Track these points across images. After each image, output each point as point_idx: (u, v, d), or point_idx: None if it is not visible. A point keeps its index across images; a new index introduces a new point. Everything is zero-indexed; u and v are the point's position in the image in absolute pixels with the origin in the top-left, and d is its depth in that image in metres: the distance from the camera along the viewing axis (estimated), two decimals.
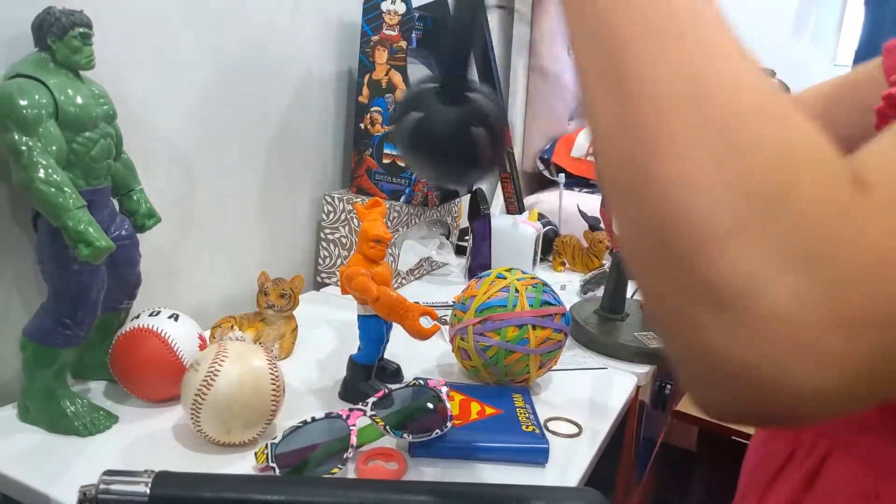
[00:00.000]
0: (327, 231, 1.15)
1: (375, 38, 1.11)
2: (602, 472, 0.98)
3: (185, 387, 0.66)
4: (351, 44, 1.17)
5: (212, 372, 0.64)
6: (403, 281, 1.21)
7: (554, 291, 0.87)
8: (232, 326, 0.87)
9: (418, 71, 1.19)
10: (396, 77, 1.11)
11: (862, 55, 2.48)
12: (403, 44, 1.10)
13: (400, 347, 0.87)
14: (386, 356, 0.86)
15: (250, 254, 1.06)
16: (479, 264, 1.26)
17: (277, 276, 0.91)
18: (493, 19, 1.69)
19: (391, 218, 1.13)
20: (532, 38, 1.78)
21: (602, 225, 1.38)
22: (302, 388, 0.83)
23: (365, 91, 1.14)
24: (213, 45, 0.92)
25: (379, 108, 1.13)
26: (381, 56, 1.12)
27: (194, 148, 0.93)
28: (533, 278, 0.87)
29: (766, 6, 2.71)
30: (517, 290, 0.84)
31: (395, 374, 0.85)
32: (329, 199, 1.14)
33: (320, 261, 1.17)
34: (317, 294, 1.14)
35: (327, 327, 1.00)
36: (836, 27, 2.70)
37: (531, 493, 0.60)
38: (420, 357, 0.93)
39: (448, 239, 1.33)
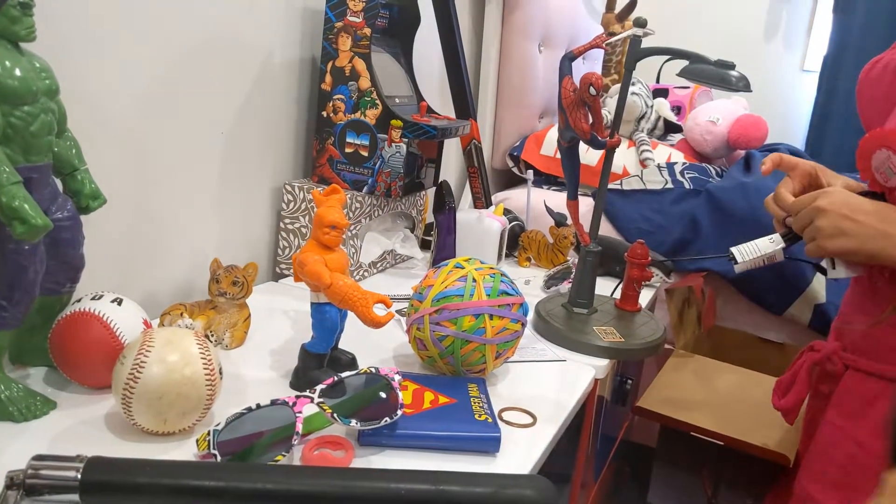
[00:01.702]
0: (287, 221, 1.13)
1: (339, 24, 1.09)
2: (558, 465, 0.97)
3: (114, 380, 0.64)
4: (314, 30, 1.15)
5: (138, 363, 0.62)
6: (366, 273, 1.19)
7: (512, 282, 0.86)
8: (181, 314, 0.85)
9: (383, 59, 1.17)
10: (360, 64, 1.10)
11: (830, 61, 2.52)
12: (367, 31, 1.08)
13: (356, 337, 0.85)
14: (341, 346, 0.85)
15: (207, 242, 1.04)
16: (443, 258, 1.25)
17: (231, 264, 0.89)
18: (464, 10, 1.68)
19: (353, 209, 1.11)
20: (503, 32, 1.77)
21: (569, 221, 1.37)
22: (253, 377, 0.81)
23: (328, 78, 1.12)
24: (170, 26, 0.90)
25: (342, 96, 1.11)
26: (345, 43, 1.10)
27: (147, 130, 0.91)
28: (491, 268, 0.86)
29: (737, 13, 2.74)
30: (475, 280, 0.82)
31: (349, 363, 0.83)
32: (289, 188, 1.12)
33: (279, 251, 1.15)
34: (275, 285, 1.12)
35: (283, 317, 0.98)
36: (806, 33, 2.73)
37: (478, 479, 0.59)
38: (377, 347, 0.92)
39: (413, 232, 1.31)
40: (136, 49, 0.87)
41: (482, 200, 1.52)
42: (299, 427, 0.64)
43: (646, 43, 0.95)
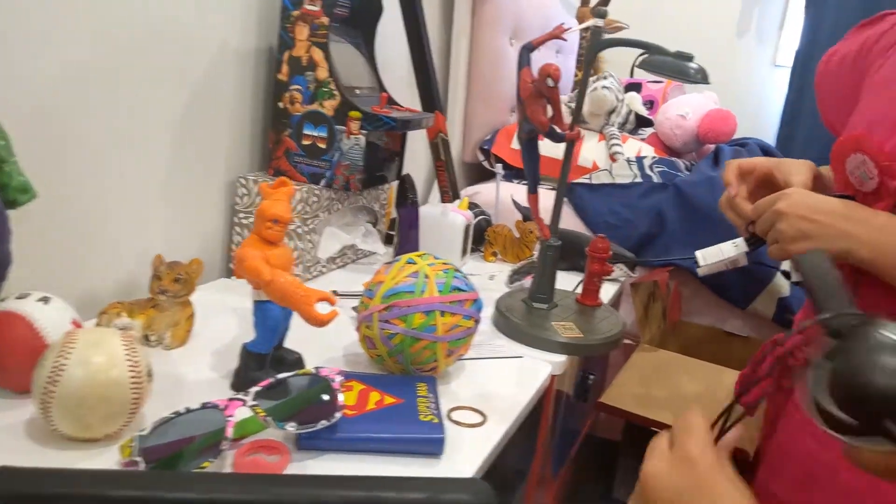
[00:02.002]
0: (242, 215, 1.10)
1: (296, 13, 1.06)
2: (516, 461, 0.95)
3: (33, 383, 0.61)
4: (271, 18, 1.12)
5: (57, 367, 0.59)
6: (323, 269, 1.16)
7: (466, 277, 0.84)
8: (119, 313, 0.82)
9: (341, 49, 1.14)
10: (318, 54, 1.06)
11: (802, 56, 2.52)
12: (325, 20, 1.05)
13: (305, 336, 0.82)
14: (289, 345, 0.82)
15: (154, 237, 1.01)
16: (406, 253, 1.22)
17: (174, 261, 0.85)
18: (434, 2, 1.65)
19: (310, 202, 1.08)
20: (473, 25, 1.75)
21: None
22: (193, 378, 0.79)
23: (284, 68, 1.09)
24: (115, 12, 0.86)
25: (299, 87, 1.08)
26: (302, 32, 1.07)
27: (88, 122, 0.87)
28: (445, 264, 0.83)
29: (710, 8, 2.73)
30: (426, 276, 0.80)
31: (295, 363, 0.80)
32: (243, 182, 1.09)
33: (233, 246, 1.12)
34: (228, 282, 1.09)
35: (232, 316, 0.95)
36: (778, 29, 2.73)
37: (413, 484, 0.57)
38: (326, 346, 0.89)
39: (375, 227, 1.28)
40: (79, 39, 0.83)
41: (449, 194, 1.50)
42: (229, 432, 0.61)
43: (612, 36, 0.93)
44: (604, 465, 1.56)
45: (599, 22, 0.91)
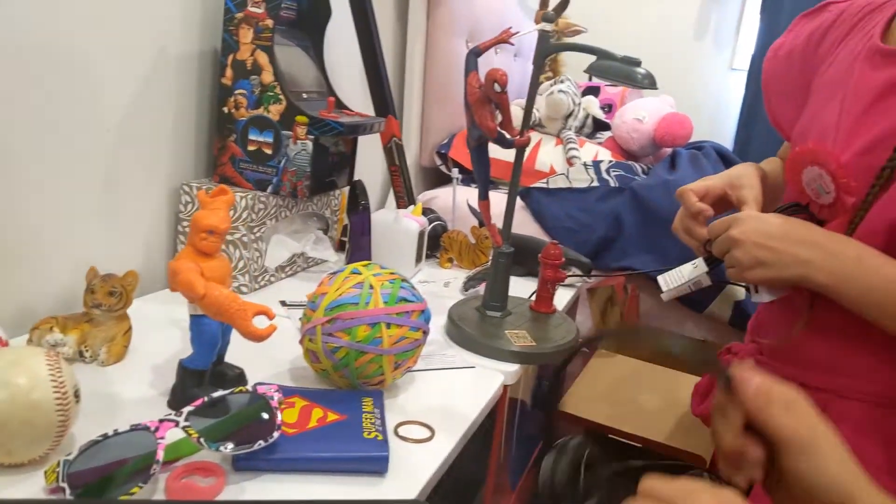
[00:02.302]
0: (186, 224, 1.06)
1: (240, 15, 1.03)
2: (471, 474, 0.93)
3: None
4: (214, 21, 1.08)
5: None
6: (272, 278, 1.13)
7: (413, 287, 0.82)
8: (51, 328, 0.78)
9: (289, 53, 1.12)
10: (262, 58, 1.03)
11: (758, 60, 2.55)
12: (270, 22, 1.02)
13: (249, 350, 0.79)
14: (232, 359, 0.79)
15: (94, 249, 0.97)
16: (358, 260, 1.20)
17: (108, 273, 0.82)
18: (387, 5, 1.63)
19: (256, 210, 1.05)
20: (428, 28, 1.73)
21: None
22: (130, 396, 0.75)
23: (228, 72, 1.05)
24: (45, 12, 0.82)
25: (243, 91, 1.05)
26: (246, 35, 1.04)
27: (19, 130, 0.83)
28: (392, 273, 0.81)
29: (667, 12, 2.76)
30: (371, 287, 0.78)
31: (237, 379, 0.78)
32: (187, 189, 1.05)
33: None
34: (172, 294, 1.04)
35: (175, 329, 0.92)
36: (734, 33, 2.76)
37: None
38: (270, 361, 0.86)
39: (327, 234, 1.26)
40: (2, 36, 0.79)
41: (404, 200, 1.48)
42: (160, 455, 0.58)
43: (574, 41, 0.92)
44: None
45: (547, 26, 0.90)
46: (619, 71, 0.83)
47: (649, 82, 0.82)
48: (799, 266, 0.75)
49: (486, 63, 0.89)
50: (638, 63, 0.83)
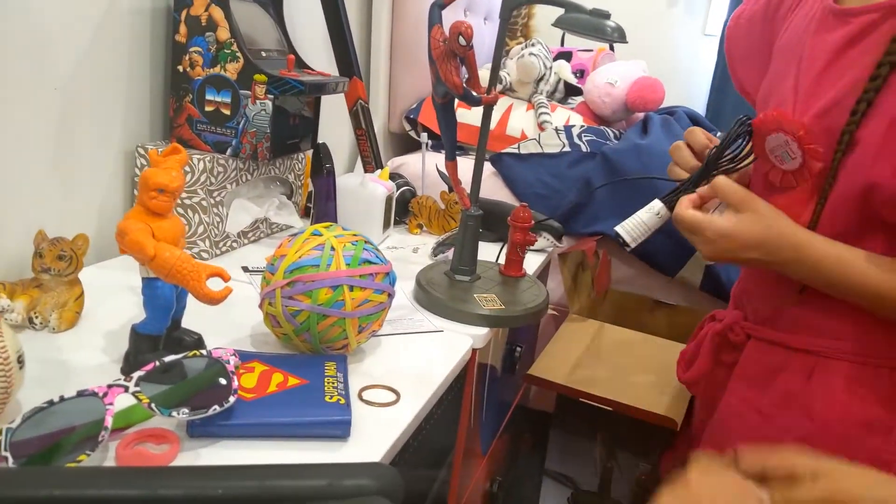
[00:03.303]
0: None
1: None
2: (441, 440, 0.92)
3: None
4: None
5: None
6: (234, 244, 1.10)
7: (377, 249, 0.79)
8: None
9: (246, 9, 1.07)
10: (218, 13, 0.99)
11: None
12: None
13: (209, 315, 0.77)
14: (190, 324, 0.76)
15: (45, 212, 0.93)
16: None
17: (58, 236, 0.78)
18: None
19: (216, 173, 1.01)
20: None
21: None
22: (81, 363, 0.72)
23: (182, 29, 1.01)
24: None
25: (199, 49, 1.01)
26: None
27: None
28: (354, 235, 0.78)
29: None
30: (333, 248, 0.75)
31: (195, 345, 0.75)
32: (143, 152, 1.01)
33: None
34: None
35: (131, 296, 0.88)
36: None
37: (311, 471, 0.52)
38: (231, 326, 0.84)
39: (291, 198, 1.22)
40: None
41: (372, 164, 1.44)
42: (108, 421, 0.55)
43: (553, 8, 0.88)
44: (538, 436, 1.55)
45: None
46: (588, 24, 0.81)
47: (619, 35, 0.80)
48: (750, 262, 0.80)
49: (448, 23, 0.86)
50: (607, 16, 0.80)
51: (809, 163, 0.75)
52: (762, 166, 0.82)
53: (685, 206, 0.83)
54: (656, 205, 0.87)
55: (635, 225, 0.88)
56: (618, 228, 0.89)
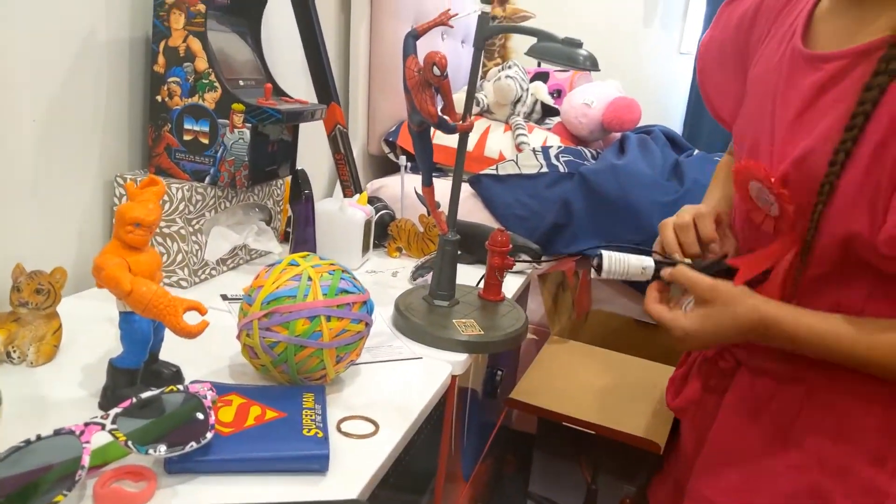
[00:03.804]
0: None
1: (170, 0, 0.99)
2: (423, 467, 0.92)
3: None
4: (144, 6, 1.04)
5: None
6: (213, 272, 1.10)
7: (354, 278, 0.80)
8: None
9: (224, 39, 1.08)
10: (195, 44, 1.00)
11: None
12: (202, 7, 0.99)
13: (186, 347, 0.77)
14: (167, 357, 0.76)
15: (23, 244, 0.92)
16: (303, 251, 1.17)
17: (35, 270, 0.78)
18: None
19: (194, 202, 1.02)
20: (372, 12, 1.70)
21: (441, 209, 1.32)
22: (60, 397, 0.72)
23: (161, 59, 1.02)
24: None
25: (177, 79, 1.01)
26: (178, 21, 1.00)
27: None
28: (332, 264, 0.79)
29: None
30: (310, 278, 0.75)
31: (172, 378, 0.75)
32: (121, 182, 1.01)
33: None
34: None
35: (109, 328, 0.88)
36: (682, 17, 2.78)
37: None
38: (210, 357, 0.83)
39: (270, 224, 1.23)
40: None
41: (351, 188, 1.45)
42: (85, 460, 0.55)
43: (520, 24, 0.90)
44: (521, 459, 1.56)
45: (486, 8, 0.88)
46: (561, 53, 0.82)
47: (591, 63, 0.81)
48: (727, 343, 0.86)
49: (432, 48, 0.87)
50: (579, 44, 0.82)
51: (784, 207, 0.76)
52: (755, 216, 0.82)
53: (651, 300, 0.83)
54: (648, 262, 0.85)
55: (619, 262, 0.85)
56: (604, 252, 0.86)
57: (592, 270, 0.87)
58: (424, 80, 0.86)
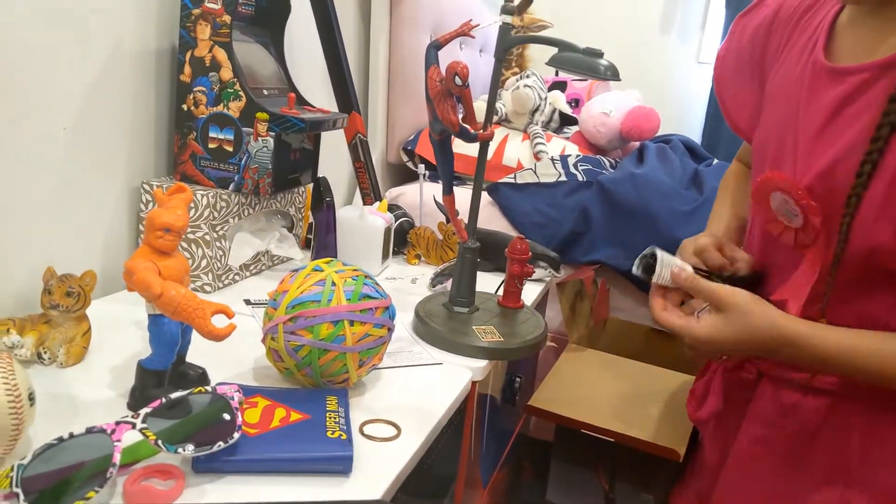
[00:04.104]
0: None
1: (197, 11, 1.01)
2: (442, 472, 0.93)
3: None
4: (171, 17, 1.06)
5: None
6: (236, 277, 1.11)
7: (377, 284, 0.81)
8: (8, 330, 0.76)
9: (248, 49, 1.10)
10: (221, 54, 1.02)
11: None
12: (227, 18, 1.01)
13: (212, 349, 0.78)
14: (193, 360, 0.78)
15: (53, 249, 0.94)
16: (324, 258, 1.19)
17: (66, 273, 0.80)
18: (349, 1, 1.62)
19: (219, 208, 1.03)
20: (392, 23, 1.72)
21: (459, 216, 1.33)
22: (89, 398, 0.74)
23: (187, 69, 1.04)
24: None
25: (203, 88, 1.03)
26: (204, 31, 1.02)
27: None
28: (355, 270, 0.80)
29: (633, 7, 2.78)
30: (334, 284, 0.77)
31: (198, 379, 0.76)
32: (148, 188, 1.03)
33: None
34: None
35: (136, 330, 0.90)
36: (700, 27, 2.79)
37: None
38: (234, 360, 0.85)
39: (292, 231, 1.24)
40: None
41: (371, 196, 1.47)
42: (116, 458, 0.57)
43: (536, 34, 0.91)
44: (538, 467, 1.55)
45: (507, 18, 0.89)
46: (582, 63, 0.83)
47: (612, 73, 0.82)
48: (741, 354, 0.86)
49: (451, 58, 0.89)
50: (600, 54, 0.83)
51: (810, 218, 0.76)
52: (773, 227, 0.82)
53: (658, 308, 0.81)
54: (689, 267, 0.82)
55: (668, 265, 0.81)
56: (658, 252, 0.81)
57: (639, 270, 0.82)
58: (446, 90, 0.87)
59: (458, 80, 0.84)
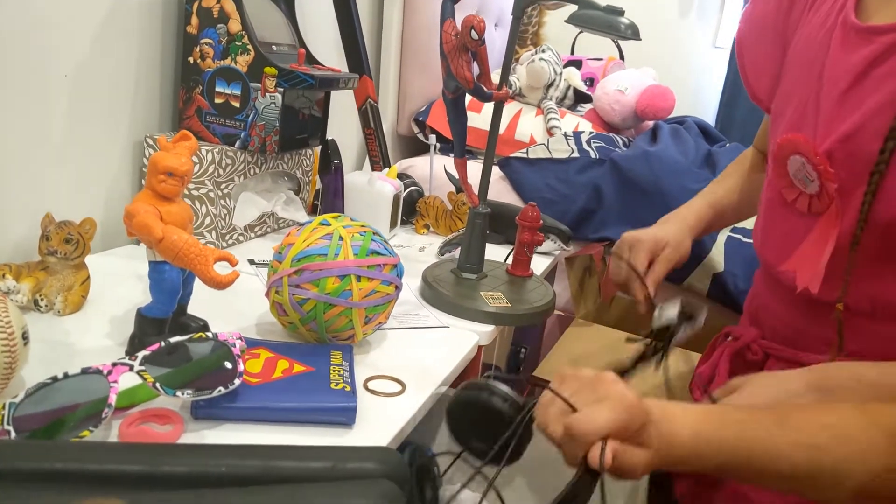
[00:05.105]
0: None
1: None
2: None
3: None
4: None
5: None
6: (241, 237, 1.09)
7: (386, 241, 0.79)
8: (4, 275, 0.74)
9: (260, 3, 1.07)
10: (229, 5, 0.99)
11: None
12: None
13: (214, 303, 0.77)
14: (196, 312, 0.76)
15: (54, 200, 0.92)
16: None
17: (65, 220, 0.78)
18: None
19: (224, 165, 1.01)
20: None
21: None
22: (86, 345, 0.72)
23: (194, 20, 1.01)
24: None
25: (210, 41, 1.01)
26: None
27: None
28: (362, 226, 0.78)
29: None
30: (341, 238, 0.75)
31: (200, 330, 0.73)
32: (151, 142, 1.01)
33: None
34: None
35: (136, 282, 0.88)
36: (718, 11, 2.75)
37: (315, 453, 0.52)
38: (237, 313, 0.83)
39: (298, 195, 1.22)
40: None
41: (380, 164, 1.45)
42: (112, 398, 0.55)
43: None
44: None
45: None
46: (602, 20, 0.81)
47: (632, 32, 0.80)
48: None
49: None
50: (621, 12, 0.80)
51: (826, 184, 0.73)
52: (788, 193, 0.79)
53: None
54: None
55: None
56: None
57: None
58: (462, 44, 0.84)
59: (474, 35, 0.82)
